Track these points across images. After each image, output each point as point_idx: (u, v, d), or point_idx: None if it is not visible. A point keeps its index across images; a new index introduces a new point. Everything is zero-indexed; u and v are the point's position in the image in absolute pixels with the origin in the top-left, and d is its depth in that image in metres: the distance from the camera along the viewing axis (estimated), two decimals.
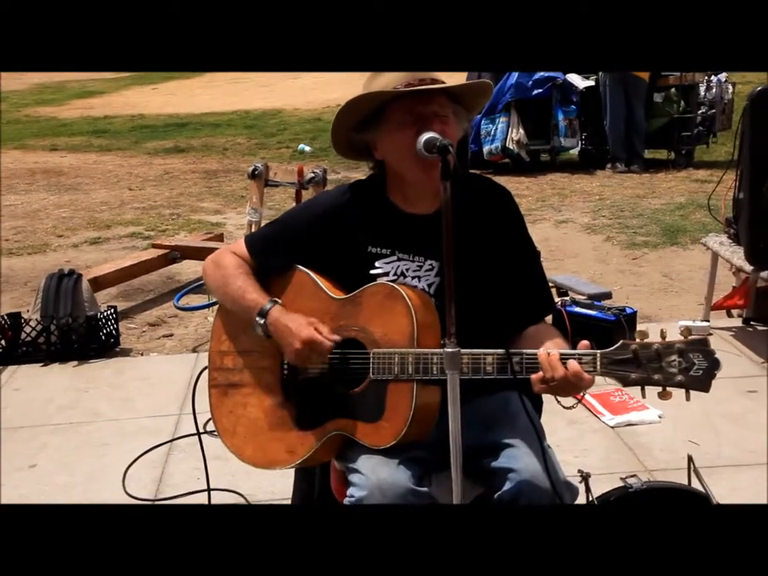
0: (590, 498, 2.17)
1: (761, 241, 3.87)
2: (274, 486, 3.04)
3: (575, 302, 4.29)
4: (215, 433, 2.18)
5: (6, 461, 3.39)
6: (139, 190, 8.91)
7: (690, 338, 1.78)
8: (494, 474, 1.92)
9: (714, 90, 9.02)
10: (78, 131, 13.00)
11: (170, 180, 9.41)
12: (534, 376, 1.84)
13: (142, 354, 4.61)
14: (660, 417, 3.57)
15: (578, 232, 6.79)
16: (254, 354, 2.10)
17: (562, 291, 4.49)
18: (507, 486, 1.89)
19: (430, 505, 1.93)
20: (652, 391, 1.80)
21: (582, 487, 2.08)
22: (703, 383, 1.76)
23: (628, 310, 4.23)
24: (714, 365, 1.76)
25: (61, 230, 7.37)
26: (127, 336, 4.83)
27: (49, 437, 3.66)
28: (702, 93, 9.03)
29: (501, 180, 2.19)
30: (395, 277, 2.05)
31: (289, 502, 2.55)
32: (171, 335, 4.88)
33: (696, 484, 2.34)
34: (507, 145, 8.81)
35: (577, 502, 2.01)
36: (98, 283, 5.08)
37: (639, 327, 3.79)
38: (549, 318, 2.19)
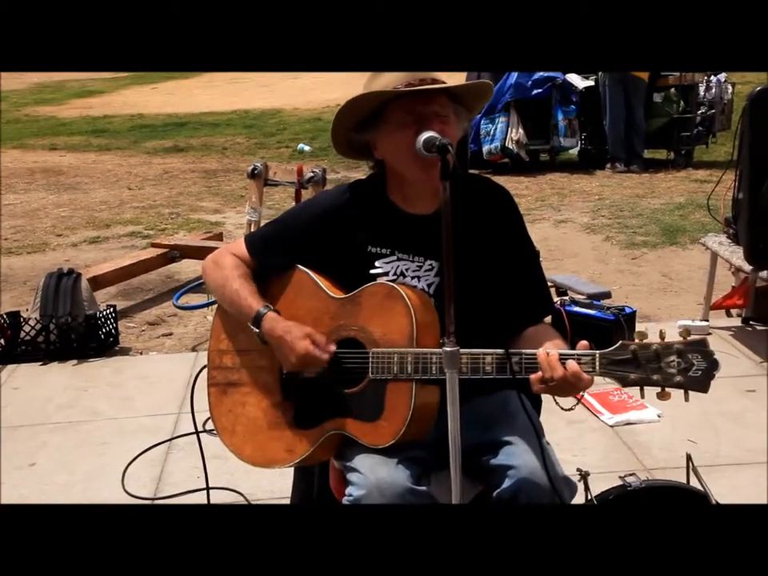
0: (589, 497, 2.17)
1: (760, 241, 3.87)
2: (273, 485, 3.04)
3: (574, 302, 4.29)
4: (214, 432, 2.18)
5: (6, 459, 3.40)
6: (138, 190, 8.91)
7: (688, 338, 1.78)
8: (493, 471, 1.93)
9: (713, 90, 9.02)
10: (77, 131, 12.99)
11: (169, 179, 9.41)
12: (533, 376, 1.85)
13: (141, 353, 4.61)
14: (659, 416, 3.57)
15: (578, 232, 6.80)
16: (252, 353, 2.10)
17: (562, 291, 4.50)
18: (506, 483, 1.89)
19: (429, 504, 1.93)
20: (651, 391, 1.80)
21: (580, 486, 2.08)
22: (702, 384, 1.76)
23: (627, 310, 4.23)
24: (712, 366, 1.76)
25: (60, 229, 7.37)
26: (126, 335, 4.83)
27: (48, 436, 3.66)
28: (702, 93, 9.03)
29: (500, 180, 2.20)
30: (395, 277, 2.05)
31: (288, 501, 2.55)
32: (170, 334, 4.88)
33: (695, 483, 2.34)
34: (507, 145, 8.81)
35: (576, 500, 2.01)
36: (98, 282, 5.08)
37: (638, 327, 3.81)
38: (548, 318, 2.19)
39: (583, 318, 4.16)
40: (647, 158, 9.18)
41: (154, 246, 6.01)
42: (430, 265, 2.05)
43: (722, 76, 9.14)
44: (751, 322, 4.60)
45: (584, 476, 2.21)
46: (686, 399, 1.78)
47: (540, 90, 8.77)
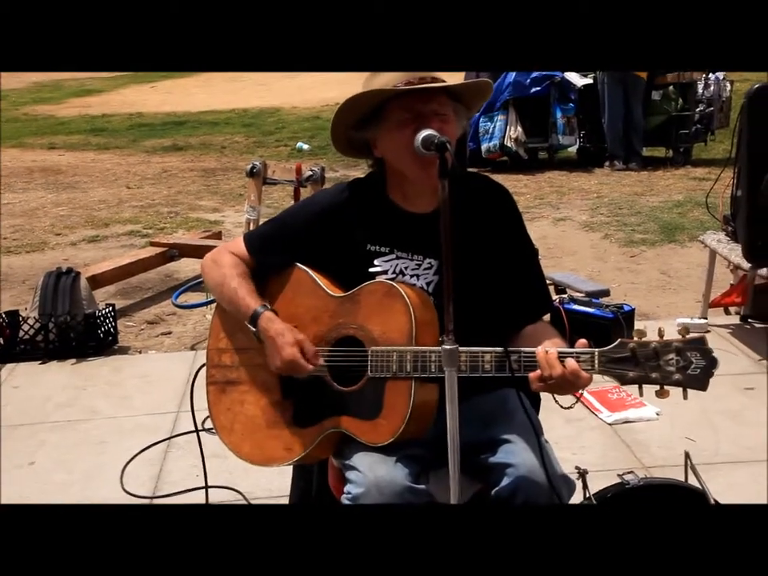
0: (587, 495, 2.17)
1: (758, 238, 3.87)
2: (272, 484, 3.04)
3: (573, 300, 4.30)
4: (213, 430, 2.18)
5: (5, 458, 3.40)
6: (137, 189, 8.91)
7: (687, 336, 1.78)
8: (492, 469, 1.93)
9: (712, 88, 9.03)
10: (75, 129, 13.00)
11: (168, 178, 9.41)
12: (531, 374, 1.85)
13: (140, 352, 4.61)
14: (658, 414, 3.57)
15: (576, 230, 6.80)
16: (251, 352, 2.10)
17: (560, 289, 4.50)
18: (505, 481, 1.89)
19: (428, 504, 1.93)
20: (650, 389, 1.80)
21: (579, 484, 2.08)
22: (701, 382, 1.76)
23: (626, 308, 4.23)
24: (711, 363, 1.76)
25: (59, 228, 7.37)
26: (125, 334, 4.83)
27: (47, 434, 3.66)
28: (700, 90, 9.04)
29: (499, 178, 2.20)
30: (394, 275, 2.05)
31: (287, 499, 2.55)
32: (169, 333, 4.88)
33: (693, 481, 2.34)
34: (505, 143, 8.81)
35: (574, 498, 2.02)
36: (97, 281, 5.08)
37: (637, 325, 3.82)
38: (547, 316, 2.19)
39: (582, 316, 4.16)
40: (646, 156, 9.19)
41: (152, 244, 6.01)
42: (429, 263, 2.05)
43: (721, 74, 9.15)
44: (750, 320, 4.61)
45: (582, 474, 2.21)
46: (685, 397, 1.78)
47: (538, 88, 8.78)
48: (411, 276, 2.05)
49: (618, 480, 2.29)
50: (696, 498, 2.21)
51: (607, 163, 8.98)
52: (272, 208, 6.99)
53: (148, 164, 10.28)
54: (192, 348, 4.60)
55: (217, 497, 2.97)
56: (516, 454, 1.92)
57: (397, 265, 2.06)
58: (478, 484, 2.02)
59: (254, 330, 2.03)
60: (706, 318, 4.55)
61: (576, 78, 9.05)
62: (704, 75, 9.02)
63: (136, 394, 4.04)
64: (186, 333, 4.86)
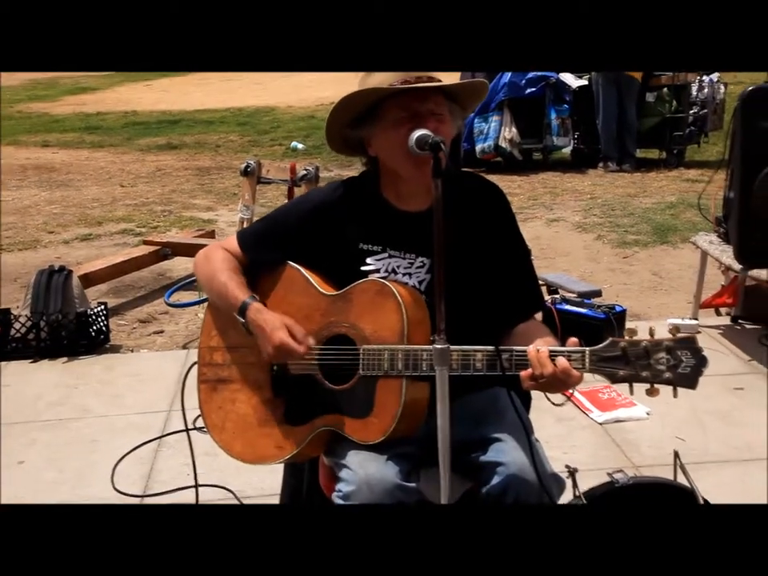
0: (577, 493, 2.18)
1: (750, 240, 3.88)
2: (263, 482, 3.04)
3: (565, 300, 4.31)
4: (204, 429, 2.18)
5: None
6: (131, 187, 8.90)
7: (678, 335, 1.79)
8: (483, 468, 1.93)
9: (705, 90, 9.06)
10: (70, 127, 12.97)
11: (162, 177, 9.39)
12: (523, 373, 1.85)
13: (132, 351, 4.61)
14: (648, 414, 3.59)
15: (569, 230, 6.81)
16: (243, 350, 2.10)
17: (553, 289, 4.51)
18: (495, 479, 1.90)
19: (418, 502, 1.94)
20: (640, 388, 1.81)
21: (569, 482, 2.09)
22: (691, 380, 1.77)
23: (618, 308, 4.24)
24: (701, 362, 1.77)
25: (52, 226, 7.35)
26: (117, 332, 4.83)
27: (38, 433, 3.65)
28: (694, 93, 9.07)
29: (493, 178, 2.20)
30: (386, 273, 2.05)
31: (278, 497, 2.56)
32: (162, 332, 4.88)
33: (682, 479, 2.35)
34: (500, 143, 8.82)
35: (564, 497, 2.03)
36: (89, 279, 5.07)
37: (628, 325, 3.82)
38: (539, 316, 2.20)
39: (574, 316, 4.17)
40: (639, 158, 9.21)
41: (145, 243, 6.00)
42: (422, 262, 2.06)
43: (715, 76, 9.18)
44: (740, 321, 4.63)
45: (572, 473, 2.22)
46: (675, 395, 1.79)
47: (533, 89, 8.79)
48: (403, 275, 2.05)
49: (608, 479, 2.30)
50: (685, 496, 2.22)
51: (601, 164, 9.00)
52: (266, 207, 6.98)
53: (142, 162, 10.27)
54: (184, 347, 4.60)
55: (208, 495, 2.97)
56: (506, 453, 1.93)
57: (389, 263, 2.06)
58: (469, 482, 2.02)
59: (242, 321, 2.03)
60: (697, 319, 4.57)
61: (571, 80, 9.06)
62: (698, 77, 9.05)
63: (128, 392, 4.03)
64: (179, 332, 4.86)
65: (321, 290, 2.05)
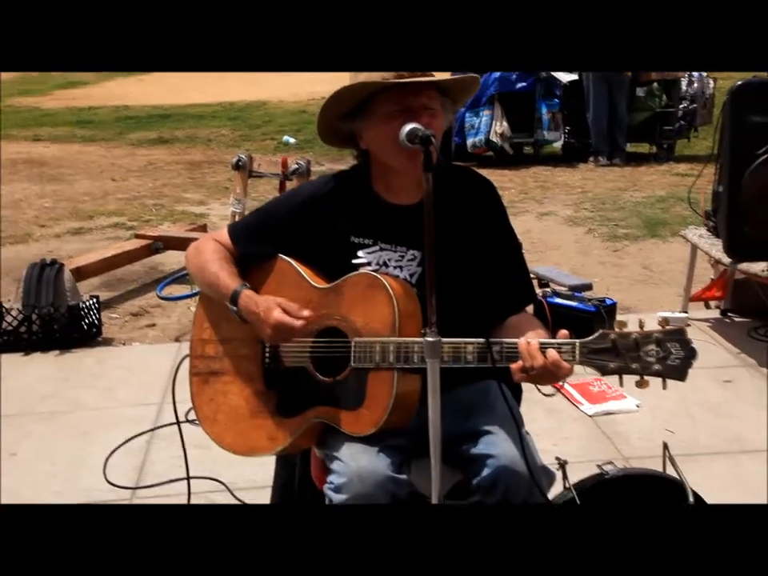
0: (567, 485, 2.19)
1: (739, 233, 3.91)
2: (255, 474, 3.06)
3: (556, 293, 4.33)
4: (196, 421, 2.18)
5: None
6: (123, 181, 8.87)
7: (667, 327, 1.81)
8: (473, 460, 1.95)
9: (695, 85, 9.10)
10: (61, 121, 12.91)
11: (153, 171, 9.37)
12: (513, 365, 1.86)
13: (124, 344, 4.61)
14: (638, 406, 3.61)
15: (560, 224, 6.84)
16: (235, 342, 2.11)
17: (544, 282, 4.53)
18: (485, 471, 1.91)
19: (409, 500, 1.95)
20: (630, 380, 1.82)
21: (559, 474, 2.10)
22: (680, 372, 1.79)
23: (608, 301, 4.27)
24: (690, 354, 1.78)
25: (43, 220, 7.33)
26: (109, 326, 4.83)
27: (30, 426, 3.65)
28: (684, 87, 9.11)
29: (484, 172, 2.21)
30: (377, 266, 2.06)
31: (269, 489, 2.57)
32: (154, 325, 4.88)
33: (671, 471, 2.37)
34: (491, 137, 8.83)
35: (554, 488, 2.04)
36: (81, 273, 5.06)
37: (619, 318, 3.84)
38: (530, 309, 2.21)
39: (564, 309, 4.19)
40: (629, 152, 9.24)
41: (137, 237, 5.99)
42: (413, 255, 2.07)
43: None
44: (729, 314, 4.66)
45: (562, 465, 2.23)
46: (664, 387, 1.80)
47: (524, 84, 8.81)
48: (395, 267, 2.06)
49: (598, 470, 2.31)
50: (674, 488, 2.23)
51: (591, 159, 9.03)
52: (257, 201, 6.93)
53: (134, 156, 10.24)
54: (176, 340, 4.61)
55: (200, 487, 2.98)
56: (497, 445, 1.94)
57: (380, 256, 2.07)
58: (459, 474, 2.03)
59: (234, 309, 2.04)
60: (687, 312, 4.60)
61: (561, 74, 9.07)
62: (688, 72, 9.07)
63: (120, 385, 4.04)
64: (171, 325, 4.86)
65: (312, 282, 2.06)
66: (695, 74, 9.09)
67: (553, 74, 8.97)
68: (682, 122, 9.07)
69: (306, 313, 1.96)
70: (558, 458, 2.25)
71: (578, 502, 2.08)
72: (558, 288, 4.44)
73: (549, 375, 1.85)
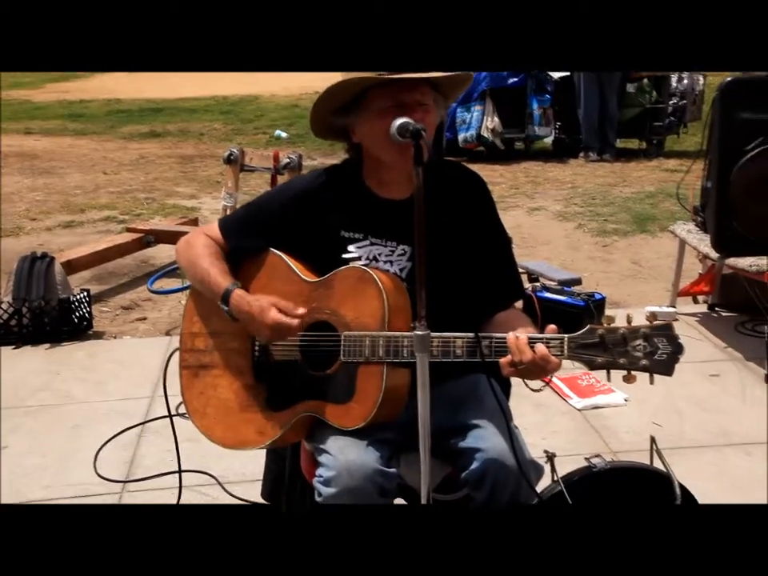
0: (555, 478, 2.21)
1: (727, 229, 3.92)
2: (245, 468, 3.07)
3: (546, 288, 4.34)
4: (187, 415, 2.19)
5: None
6: (114, 175, 8.85)
7: (654, 322, 1.82)
8: (462, 453, 1.96)
9: (685, 81, 9.13)
10: (52, 115, 12.86)
11: (145, 164, 9.35)
12: (502, 359, 1.87)
13: (115, 337, 4.61)
14: (626, 400, 3.64)
15: (550, 219, 6.86)
16: (224, 336, 2.12)
17: (533, 277, 4.55)
18: (474, 465, 1.92)
19: (398, 493, 1.96)
20: (617, 374, 1.84)
21: (547, 467, 2.12)
22: (667, 367, 1.80)
23: (597, 296, 4.28)
24: (677, 349, 1.80)
25: (34, 213, 7.31)
26: (100, 319, 4.82)
27: (21, 419, 3.65)
28: (674, 84, 9.14)
29: (475, 168, 2.22)
30: (368, 261, 2.06)
31: (259, 483, 2.58)
32: (144, 319, 4.88)
33: (658, 464, 2.39)
34: (482, 133, 8.84)
35: (542, 481, 2.06)
36: (72, 266, 5.06)
37: (607, 313, 3.86)
38: (519, 304, 2.22)
39: (554, 303, 4.21)
40: (619, 148, 9.27)
41: (128, 230, 5.98)
42: (403, 249, 2.08)
43: None
44: (717, 309, 4.70)
45: (551, 458, 2.24)
46: (651, 382, 1.82)
47: (515, 79, 8.82)
48: (385, 262, 2.07)
49: (585, 464, 2.33)
50: (661, 481, 2.25)
51: (582, 154, 9.05)
52: (249, 195, 6.94)
53: (125, 150, 10.21)
54: (167, 334, 4.61)
55: (190, 481, 2.99)
56: (486, 439, 1.95)
57: (371, 251, 2.08)
58: (448, 467, 2.05)
59: (225, 308, 2.05)
60: (675, 307, 4.62)
61: None
62: None
63: (110, 379, 4.04)
64: (161, 318, 4.86)
65: (303, 276, 2.07)
66: None
67: None
68: (671, 118, 9.10)
69: (301, 311, 1.98)
70: (546, 451, 2.26)
71: (566, 494, 2.10)
72: (547, 283, 4.46)
73: (537, 370, 1.86)
